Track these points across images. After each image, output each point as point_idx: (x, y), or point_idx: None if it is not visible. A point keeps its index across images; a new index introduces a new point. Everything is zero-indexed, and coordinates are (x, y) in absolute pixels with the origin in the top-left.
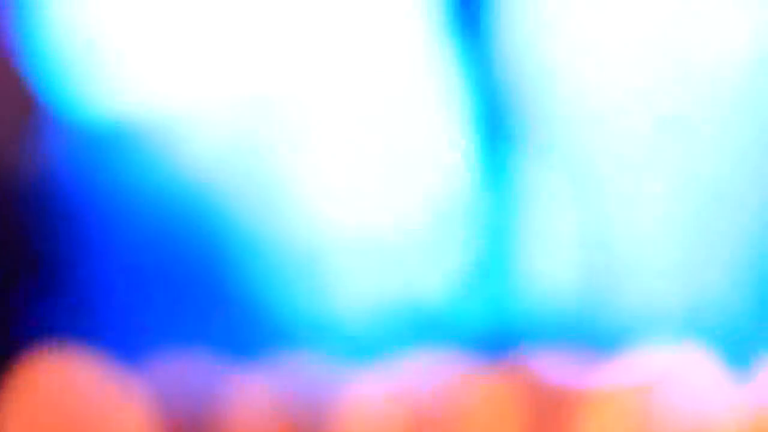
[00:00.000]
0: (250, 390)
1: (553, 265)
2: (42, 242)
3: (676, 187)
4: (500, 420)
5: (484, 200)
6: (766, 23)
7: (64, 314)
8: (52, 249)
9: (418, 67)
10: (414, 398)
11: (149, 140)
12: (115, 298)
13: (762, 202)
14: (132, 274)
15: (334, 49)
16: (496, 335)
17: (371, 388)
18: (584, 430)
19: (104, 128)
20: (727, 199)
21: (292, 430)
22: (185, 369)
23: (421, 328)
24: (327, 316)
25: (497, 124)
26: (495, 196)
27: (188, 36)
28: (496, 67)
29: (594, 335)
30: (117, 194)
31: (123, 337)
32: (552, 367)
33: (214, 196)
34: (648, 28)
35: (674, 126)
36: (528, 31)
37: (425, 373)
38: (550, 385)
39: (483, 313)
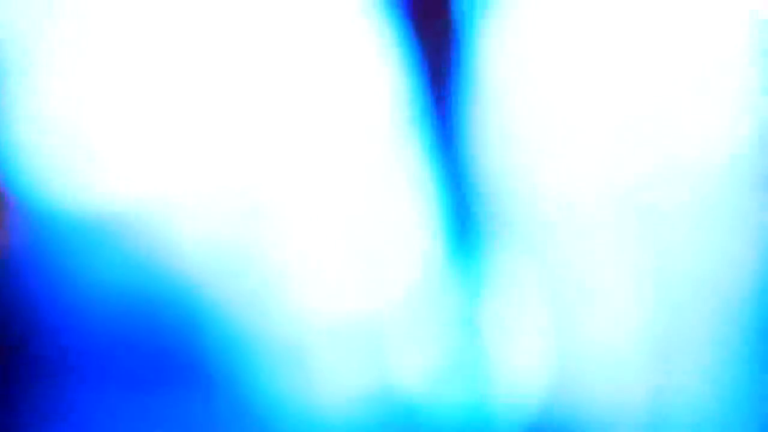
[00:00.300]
0: None
1: (524, 359)
2: (12, 342)
3: (650, 283)
4: None
5: (455, 295)
6: (740, 119)
7: (32, 420)
8: (21, 349)
9: (391, 163)
10: None
11: (128, 232)
12: (90, 398)
13: (739, 303)
14: (107, 372)
15: (308, 144)
16: (470, 430)
17: None
18: None
19: (80, 220)
20: (704, 297)
21: None
22: None
23: (398, 423)
24: (307, 412)
25: (469, 217)
26: (466, 290)
27: (168, 127)
28: (468, 161)
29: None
30: (92, 290)
31: None
32: None
33: (193, 289)
34: (622, 125)
35: (648, 222)
36: (501, 124)
37: None
38: None
39: (457, 408)
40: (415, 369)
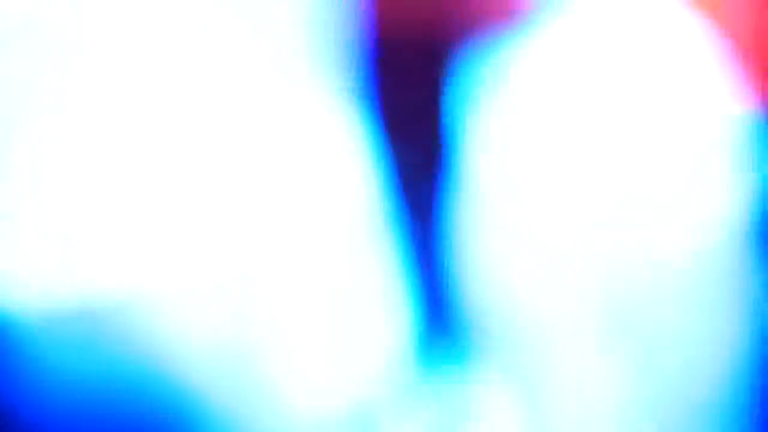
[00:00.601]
0: None
1: None
2: None
3: (625, 389)
4: None
5: (433, 396)
6: (710, 218)
7: None
8: None
9: (373, 268)
10: None
11: (113, 329)
12: None
13: (717, 406)
14: None
15: (290, 243)
16: None
17: None
18: None
19: (64, 318)
20: (684, 404)
21: None
22: None
23: None
24: None
25: (442, 320)
26: (445, 391)
27: (150, 225)
28: (442, 261)
29: None
30: (79, 389)
31: None
32: None
33: (179, 385)
34: (592, 231)
35: (622, 329)
36: (476, 225)
37: None
38: None
39: None
40: None
